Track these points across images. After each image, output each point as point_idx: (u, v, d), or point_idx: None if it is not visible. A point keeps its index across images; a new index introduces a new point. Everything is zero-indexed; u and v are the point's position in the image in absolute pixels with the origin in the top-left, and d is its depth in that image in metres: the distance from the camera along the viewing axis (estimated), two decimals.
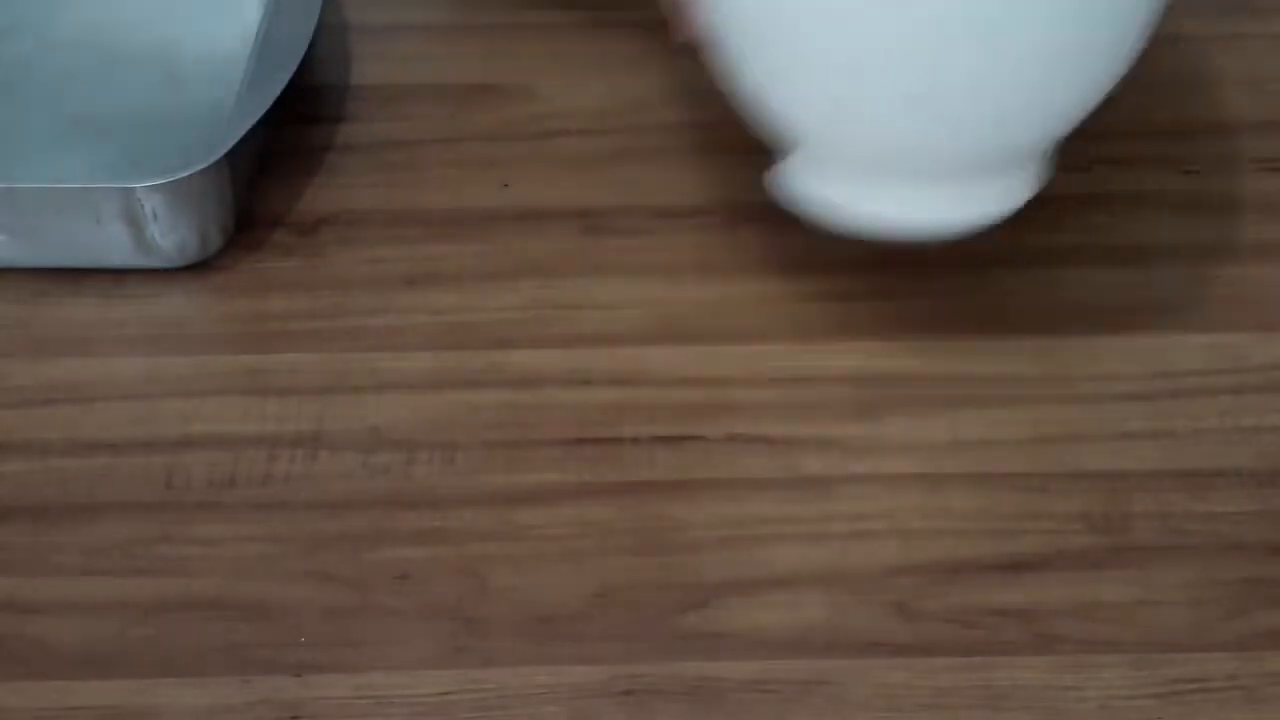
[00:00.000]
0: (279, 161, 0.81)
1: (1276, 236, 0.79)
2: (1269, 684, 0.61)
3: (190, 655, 0.62)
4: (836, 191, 0.68)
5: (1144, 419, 0.71)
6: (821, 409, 0.71)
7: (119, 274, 0.76)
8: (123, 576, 0.65)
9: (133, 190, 0.71)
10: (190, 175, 0.72)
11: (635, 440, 0.70)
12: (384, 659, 0.62)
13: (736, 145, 0.83)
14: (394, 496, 0.68)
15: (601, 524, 0.67)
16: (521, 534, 0.66)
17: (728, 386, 0.72)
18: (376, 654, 0.63)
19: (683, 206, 0.80)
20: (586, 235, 0.79)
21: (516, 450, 0.69)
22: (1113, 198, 0.81)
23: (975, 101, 0.63)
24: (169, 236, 0.73)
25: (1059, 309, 0.75)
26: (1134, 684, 0.61)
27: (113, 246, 0.73)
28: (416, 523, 0.67)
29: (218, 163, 0.72)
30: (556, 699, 0.61)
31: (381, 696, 0.61)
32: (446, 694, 0.61)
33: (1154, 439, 0.70)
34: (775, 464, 0.69)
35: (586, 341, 0.74)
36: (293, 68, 0.76)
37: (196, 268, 0.76)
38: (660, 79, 0.87)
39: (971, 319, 0.74)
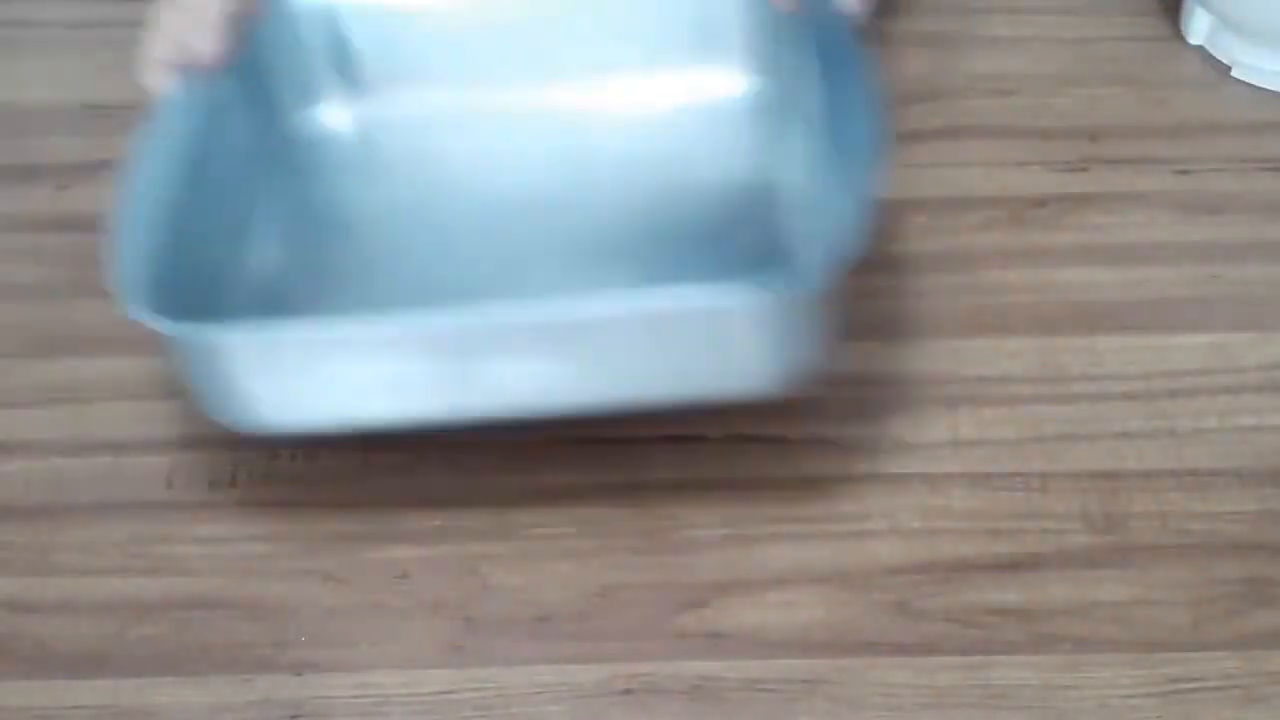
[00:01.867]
0: None
1: (1276, 236, 0.79)
2: (1267, 683, 0.61)
3: (191, 654, 0.62)
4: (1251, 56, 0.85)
5: (1143, 419, 0.71)
6: (822, 409, 0.71)
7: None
8: (123, 576, 0.65)
9: (750, 306, 0.61)
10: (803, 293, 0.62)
11: (635, 440, 0.70)
12: (384, 658, 0.62)
13: None
14: (394, 496, 0.68)
15: (601, 524, 0.67)
16: (521, 534, 0.66)
17: None
18: (377, 653, 0.63)
19: None
20: None
21: (516, 450, 0.69)
22: (1112, 198, 0.81)
23: None
24: (778, 354, 0.62)
25: (1059, 309, 0.75)
26: (1133, 683, 0.61)
27: (709, 370, 0.63)
28: (416, 523, 0.67)
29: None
30: (557, 698, 0.61)
31: (382, 695, 0.61)
32: (446, 693, 0.61)
33: (1153, 439, 0.70)
34: (775, 464, 0.69)
35: None
36: (870, 184, 0.63)
37: None
38: None
39: (971, 319, 0.74)
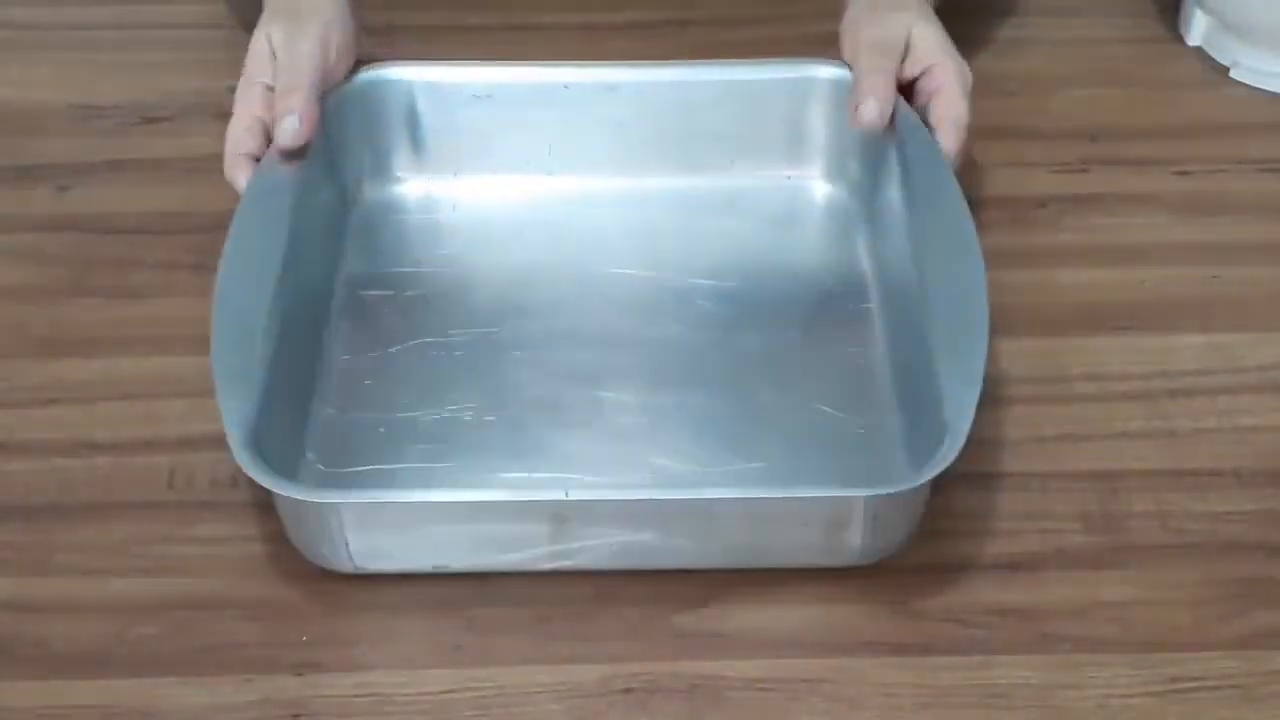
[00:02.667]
0: None
1: (1276, 236, 0.79)
2: (1267, 683, 0.61)
3: (191, 654, 0.62)
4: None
5: (1143, 419, 0.71)
6: None
7: (120, 279, 0.76)
8: (123, 576, 0.65)
9: (866, 499, 0.62)
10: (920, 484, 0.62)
11: None
12: (384, 658, 0.62)
13: None
14: None
15: None
16: None
17: None
18: (377, 653, 0.63)
19: None
20: None
21: None
22: (1112, 198, 0.81)
23: None
24: (871, 540, 0.63)
25: (1059, 309, 0.75)
26: (1133, 683, 0.61)
27: (801, 549, 0.64)
28: None
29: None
30: (556, 698, 0.61)
31: (382, 695, 0.61)
32: (446, 693, 0.61)
33: (1154, 439, 0.70)
34: None
35: None
36: (980, 378, 0.64)
37: None
38: None
39: None
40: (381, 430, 0.69)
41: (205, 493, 0.68)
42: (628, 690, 0.61)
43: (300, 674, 0.62)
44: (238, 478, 0.68)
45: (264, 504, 0.67)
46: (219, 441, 0.69)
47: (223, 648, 0.63)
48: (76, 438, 0.70)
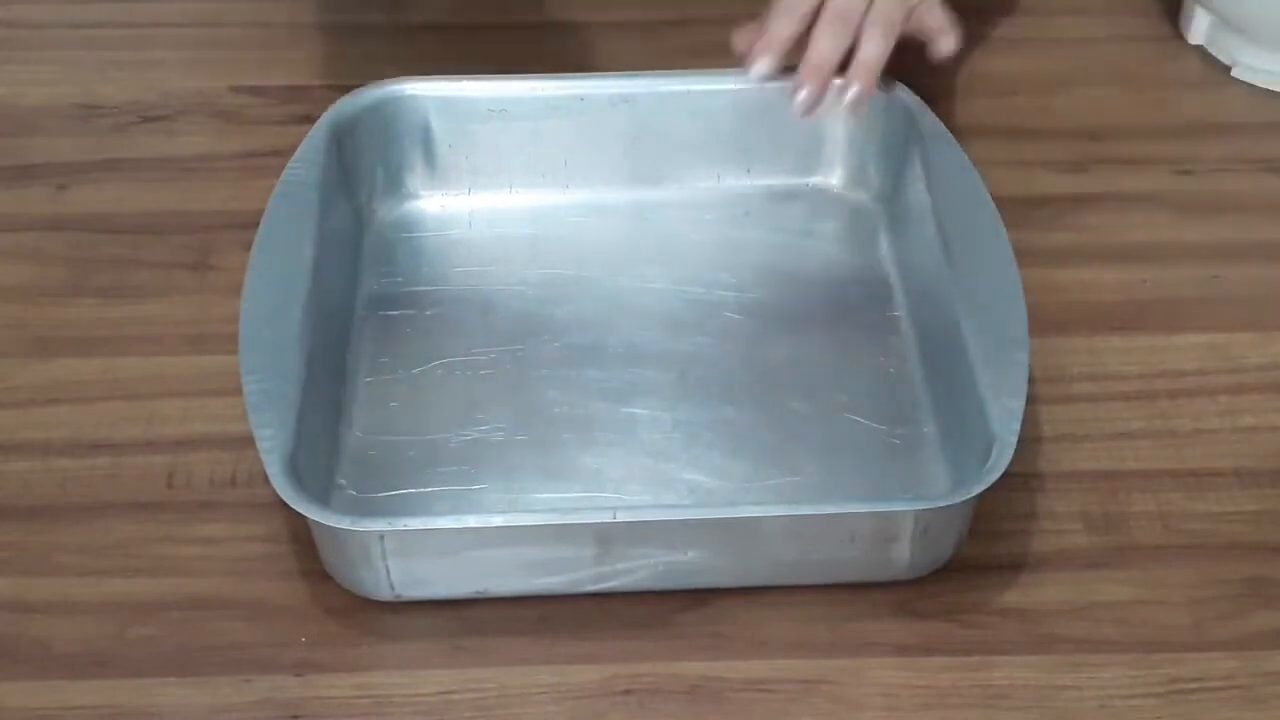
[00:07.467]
0: None
1: (1276, 236, 0.79)
2: (1267, 683, 0.61)
3: (191, 654, 0.62)
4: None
5: (1144, 419, 0.71)
6: None
7: (118, 279, 0.76)
8: (123, 576, 0.65)
9: (917, 512, 0.62)
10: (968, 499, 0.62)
11: None
12: (384, 658, 0.62)
13: None
14: None
15: None
16: None
17: None
18: (376, 653, 0.63)
19: None
20: None
21: None
22: (1112, 198, 0.81)
23: None
24: (920, 554, 0.63)
25: (1059, 309, 0.75)
26: (1133, 683, 0.61)
27: (846, 564, 0.64)
28: None
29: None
30: (556, 699, 0.61)
31: (382, 695, 0.61)
32: (446, 694, 0.61)
33: (1154, 439, 0.70)
34: None
35: None
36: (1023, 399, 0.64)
37: None
38: None
39: None
40: (411, 453, 0.68)
41: (204, 493, 0.68)
42: (628, 691, 0.61)
43: (300, 674, 0.62)
44: (237, 477, 0.68)
45: (263, 504, 0.67)
46: (218, 441, 0.69)
47: (222, 648, 0.63)
48: (75, 438, 0.70)
